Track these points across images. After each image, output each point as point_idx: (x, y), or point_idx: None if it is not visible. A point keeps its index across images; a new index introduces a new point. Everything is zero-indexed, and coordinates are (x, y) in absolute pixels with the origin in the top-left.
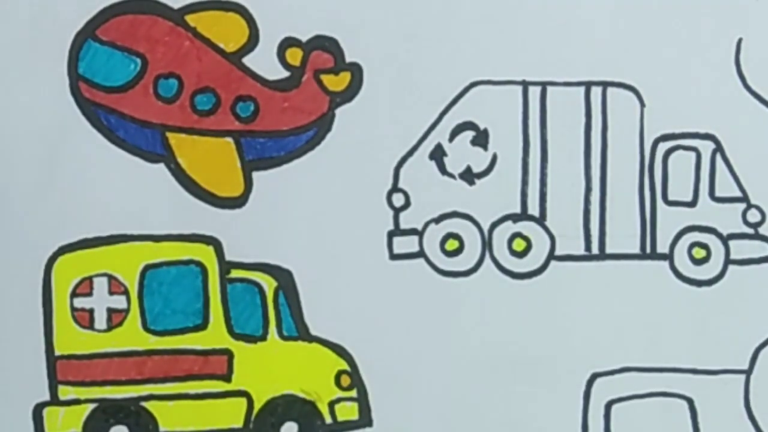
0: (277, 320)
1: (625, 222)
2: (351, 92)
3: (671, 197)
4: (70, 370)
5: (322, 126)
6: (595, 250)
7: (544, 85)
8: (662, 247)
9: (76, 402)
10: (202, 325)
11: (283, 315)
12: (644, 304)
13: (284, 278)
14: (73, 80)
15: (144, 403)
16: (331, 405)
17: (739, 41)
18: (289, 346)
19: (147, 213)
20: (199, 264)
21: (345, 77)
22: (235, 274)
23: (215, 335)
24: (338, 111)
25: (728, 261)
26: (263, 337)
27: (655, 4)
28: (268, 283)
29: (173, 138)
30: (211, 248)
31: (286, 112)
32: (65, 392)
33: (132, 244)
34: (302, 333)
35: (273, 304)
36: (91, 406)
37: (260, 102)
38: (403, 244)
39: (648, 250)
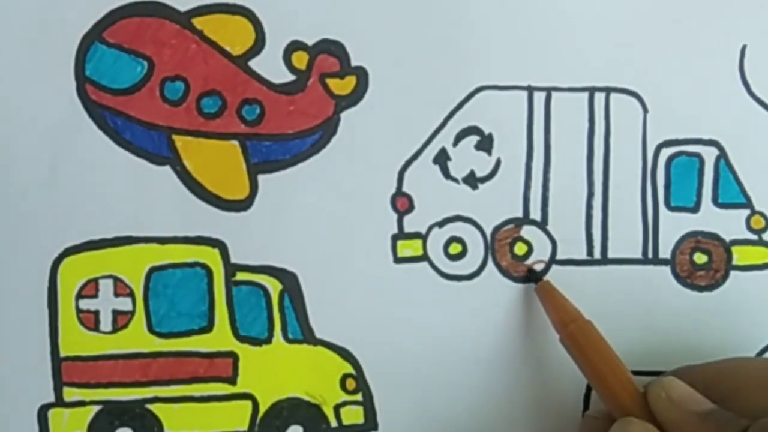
0: (282, 323)
1: (627, 227)
2: (356, 96)
3: (674, 203)
4: (75, 371)
5: (328, 129)
6: (597, 254)
7: (548, 91)
8: (664, 253)
9: (81, 404)
10: (207, 328)
11: (288, 318)
12: (645, 309)
13: (289, 281)
14: (79, 82)
15: (149, 406)
16: (337, 408)
17: (743, 48)
18: (294, 349)
19: (152, 215)
20: (204, 266)
21: (350, 81)
22: (241, 276)
23: (220, 338)
24: (343, 115)
25: (730, 267)
26: (268, 340)
27: (658, 12)
28: (274, 286)
29: (179, 140)
30: (216, 251)
31: (292, 115)
32: (70, 394)
33: (137, 246)
34: (307, 336)
35: (278, 306)
36: (96, 408)
37: (266, 105)
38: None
39: (650, 255)
